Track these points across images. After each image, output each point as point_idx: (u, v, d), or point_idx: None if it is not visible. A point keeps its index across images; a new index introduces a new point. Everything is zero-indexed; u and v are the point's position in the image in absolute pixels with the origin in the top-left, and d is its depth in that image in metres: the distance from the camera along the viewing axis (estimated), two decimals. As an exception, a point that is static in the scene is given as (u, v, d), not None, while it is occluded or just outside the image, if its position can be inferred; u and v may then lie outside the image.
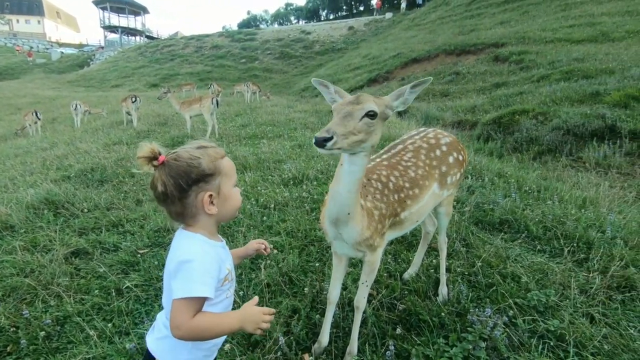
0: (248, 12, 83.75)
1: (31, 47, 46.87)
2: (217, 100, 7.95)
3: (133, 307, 2.43)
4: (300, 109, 11.19)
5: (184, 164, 1.12)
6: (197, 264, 1.10)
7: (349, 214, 1.59)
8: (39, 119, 11.56)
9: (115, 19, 53.34)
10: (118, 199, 4.28)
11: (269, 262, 2.76)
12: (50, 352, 2.10)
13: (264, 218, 3.56)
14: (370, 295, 2.38)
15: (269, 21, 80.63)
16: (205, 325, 1.08)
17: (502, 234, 3.18)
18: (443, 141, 2.22)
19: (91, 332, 2.16)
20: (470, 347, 1.89)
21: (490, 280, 2.51)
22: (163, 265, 2.83)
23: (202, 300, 1.11)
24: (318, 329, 2.09)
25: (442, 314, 2.18)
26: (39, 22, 67.74)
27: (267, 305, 2.30)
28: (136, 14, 55.69)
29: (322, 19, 64.25)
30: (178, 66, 32.50)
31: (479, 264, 2.65)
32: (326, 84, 1.63)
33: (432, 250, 2.97)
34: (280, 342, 1.94)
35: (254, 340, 2.05)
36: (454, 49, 15.65)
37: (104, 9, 51.44)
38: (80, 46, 54.68)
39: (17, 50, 44.02)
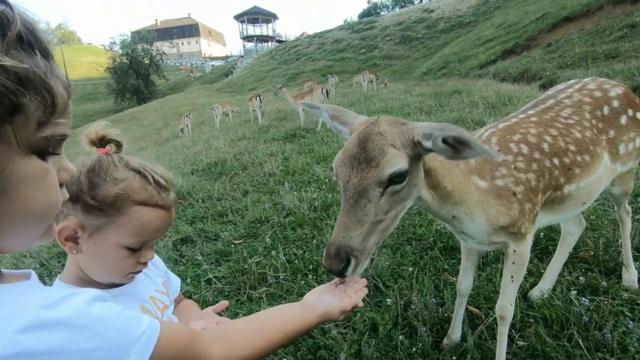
0: (368, 1, 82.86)
1: (192, 64, 56.91)
2: (327, 90, 7.92)
3: (216, 299, 2.42)
4: (418, 93, 10.37)
5: (94, 167, 0.80)
6: None
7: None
8: (189, 118, 13.83)
9: (251, 29, 60.49)
10: (230, 190, 4.55)
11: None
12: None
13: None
14: (476, 317, 1.80)
15: (390, 7, 78.28)
16: None
17: None
18: (613, 93, 1.56)
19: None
20: None
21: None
22: (251, 256, 2.78)
23: None
24: (399, 354, 1.65)
25: (592, 361, 1.46)
26: (196, 42, 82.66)
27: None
28: (267, 21, 61.78)
29: (448, -6, 58.76)
30: (303, 64, 34.50)
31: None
32: (316, 106, 1.19)
33: (580, 261, 2.13)
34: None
35: (320, 356, 1.74)
36: (627, -6, 12.10)
37: (242, 21, 58.94)
38: (225, 58, 63.77)
39: (181, 69, 54.14)
